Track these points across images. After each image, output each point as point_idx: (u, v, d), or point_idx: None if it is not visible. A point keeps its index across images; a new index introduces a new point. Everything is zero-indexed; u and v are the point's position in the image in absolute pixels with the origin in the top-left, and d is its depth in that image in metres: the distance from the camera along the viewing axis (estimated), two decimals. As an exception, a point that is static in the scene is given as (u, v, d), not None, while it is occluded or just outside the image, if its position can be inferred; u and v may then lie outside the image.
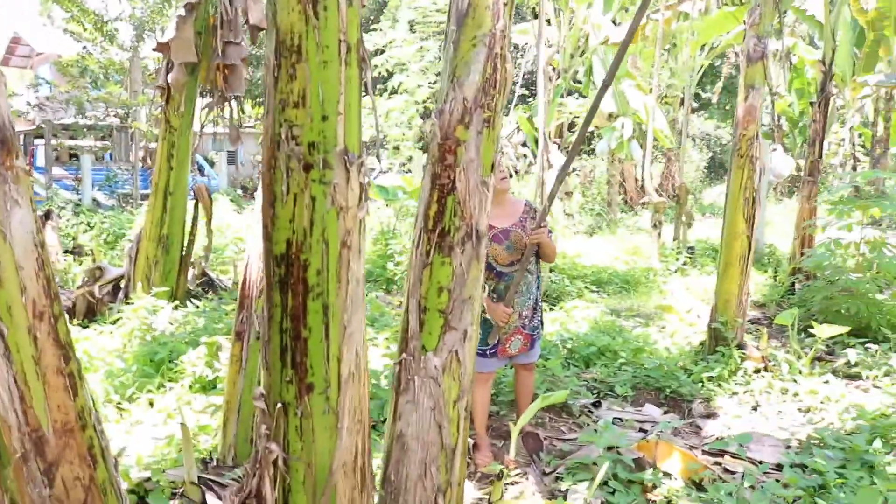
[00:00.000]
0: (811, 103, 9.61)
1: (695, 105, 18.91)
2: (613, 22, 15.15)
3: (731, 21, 13.77)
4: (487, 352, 4.20)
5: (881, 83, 18.90)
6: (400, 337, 2.96)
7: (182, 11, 7.24)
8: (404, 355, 2.87)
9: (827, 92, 9.40)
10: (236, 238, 11.19)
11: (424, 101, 14.27)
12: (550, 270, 9.49)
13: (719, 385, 5.84)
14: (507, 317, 4.12)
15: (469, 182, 2.80)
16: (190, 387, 4.98)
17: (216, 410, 4.46)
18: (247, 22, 2.67)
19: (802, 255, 9.09)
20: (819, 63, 9.59)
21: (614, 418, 5.03)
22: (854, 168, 24.06)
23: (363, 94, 2.27)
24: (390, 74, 15.06)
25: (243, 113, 7.76)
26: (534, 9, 15.92)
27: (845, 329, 6.42)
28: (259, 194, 3.76)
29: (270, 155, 2.14)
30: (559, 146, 15.26)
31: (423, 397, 2.85)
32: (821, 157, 9.53)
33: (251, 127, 24.86)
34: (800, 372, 6.01)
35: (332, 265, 2.18)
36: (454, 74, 2.82)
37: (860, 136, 25.20)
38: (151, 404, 4.83)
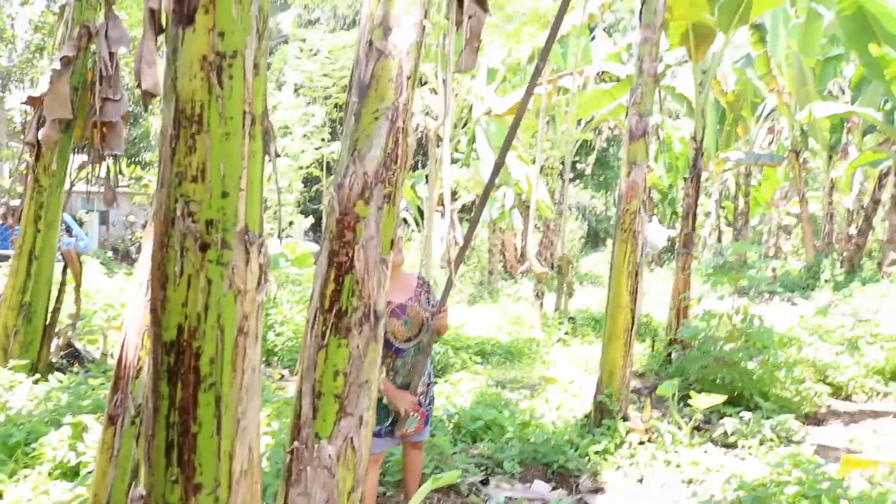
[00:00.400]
0: (685, 178, 10.08)
1: (570, 175, 19.57)
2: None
3: (606, 98, 14.43)
4: (382, 431, 4.04)
5: (741, 161, 20.22)
6: (291, 423, 2.79)
7: (57, 65, 6.89)
8: (296, 444, 2.70)
9: (699, 167, 9.90)
10: (106, 304, 10.57)
11: (308, 167, 14.14)
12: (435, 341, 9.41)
13: (605, 458, 5.85)
14: (415, 406, 4.00)
15: (368, 260, 2.70)
16: (49, 474, 4.53)
17: (82, 503, 4.07)
18: (139, 86, 2.51)
19: (679, 325, 9.39)
20: (691, 140, 10.11)
21: (505, 497, 4.94)
22: (719, 239, 25.40)
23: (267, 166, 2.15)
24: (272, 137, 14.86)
25: (121, 173, 7.42)
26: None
27: (721, 399, 6.60)
28: (141, 262, 3.53)
29: (163, 232, 1.97)
30: (442, 214, 15.38)
31: (315, 489, 2.68)
32: (694, 229, 9.99)
33: (125, 187, 23.96)
34: (681, 442, 6.11)
35: (228, 353, 2.01)
36: (355, 147, 2.75)
37: (723, 208, 26.75)
38: (0, 496, 4.37)
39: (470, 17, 3.07)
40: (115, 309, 10.24)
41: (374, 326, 2.72)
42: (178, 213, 1.94)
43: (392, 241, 2.81)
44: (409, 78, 2.79)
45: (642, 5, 6.80)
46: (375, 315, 2.71)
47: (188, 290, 1.96)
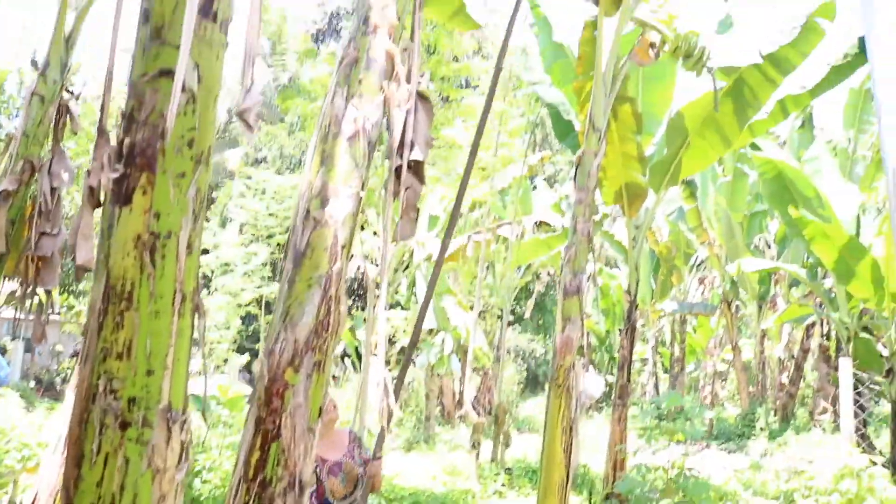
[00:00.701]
0: (620, 331, 10.27)
1: (510, 319, 19.86)
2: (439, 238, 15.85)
3: (544, 247, 14.83)
4: None
5: (675, 311, 20.73)
6: None
7: (-5, 200, 6.83)
8: None
9: (633, 320, 10.11)
10: (22, 443, 10.05)
11: (247, 305, 14.06)
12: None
13: None
14: None
15: (296, 429, 2.68)
16: None
17: None
18: (73, 259, 2.54)
19: (616, 477, 9.32)
20: (626, 294, 10.36)
21: None
22: (656, 385, 25.64)
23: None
24: (212, 272, 14.82)
25: (52, 307, 7.27)
26: (361, 225, 16.45)
27: (659, 562, 6.50)
28: (62, 410, 3.42)
29: (83, 408, 1.94)
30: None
31: None
32: (629, 380, 10.08)
33: (56, 315, 23.27)
34: None
35: (141, 537, 1.95)
36: (287, 314, 2.78)
37: (660, 354, 27.16)
38: None
39: (407, 189, 3.19)
40: (30, 448, 9.73)
41: (298, 497, 2.66)
42: (101, 388, 1.92)
43: (321, 408, 2.80)
44: (343, 247, 2.86)
45: (576, 168, 7.12)
46: (300, 485, 2.67)
47: (104, 469, 1.91)
